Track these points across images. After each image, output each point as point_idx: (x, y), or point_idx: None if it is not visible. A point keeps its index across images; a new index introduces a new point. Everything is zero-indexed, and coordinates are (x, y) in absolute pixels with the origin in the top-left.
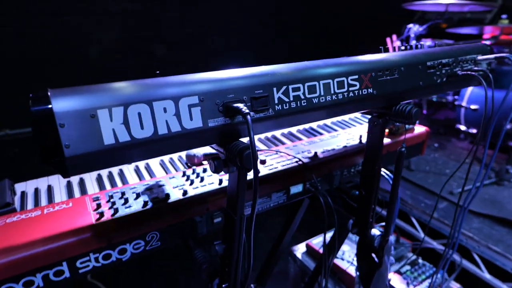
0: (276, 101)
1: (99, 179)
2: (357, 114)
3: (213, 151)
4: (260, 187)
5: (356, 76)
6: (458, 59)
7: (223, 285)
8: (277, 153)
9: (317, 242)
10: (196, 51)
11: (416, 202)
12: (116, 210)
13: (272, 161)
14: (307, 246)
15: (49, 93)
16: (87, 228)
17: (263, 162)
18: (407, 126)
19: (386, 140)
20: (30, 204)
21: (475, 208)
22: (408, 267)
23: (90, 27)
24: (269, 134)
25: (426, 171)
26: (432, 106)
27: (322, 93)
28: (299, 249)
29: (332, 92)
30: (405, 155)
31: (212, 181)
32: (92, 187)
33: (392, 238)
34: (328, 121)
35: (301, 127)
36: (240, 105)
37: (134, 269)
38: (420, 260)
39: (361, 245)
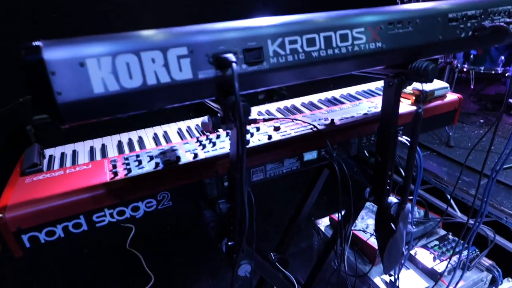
0: (271, 54)
1: (119, 145)
2: (377, 84)
3: None
4: (270, 152)
5: (362, 29)
6: (488, 10)
7: (229, 243)
8: (293, 121)
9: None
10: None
11: (453, 179)
12: (129, 170)
13: (286, 128)
14: (331, 219)
15: (40, 43)
16: (102, 186)
17: (277, 128)
18: (436, 92)
19: (411, 108)
20: (56, 166)
21: None
22: (436, 242)
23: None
24: (288, 104)
25: (467, 148)
26: (482, 81)
27: (322, 47)
28: (323, 222)
29: (334, 45)
30: (421, 117)
31: (223, 146)
32: (112, 152)
33: (409, 205)
34: (352, 91)
35: (323, 97)
36: (229, 55)
37: (175, 242)
38: (450, 236)
39: (378, 214)
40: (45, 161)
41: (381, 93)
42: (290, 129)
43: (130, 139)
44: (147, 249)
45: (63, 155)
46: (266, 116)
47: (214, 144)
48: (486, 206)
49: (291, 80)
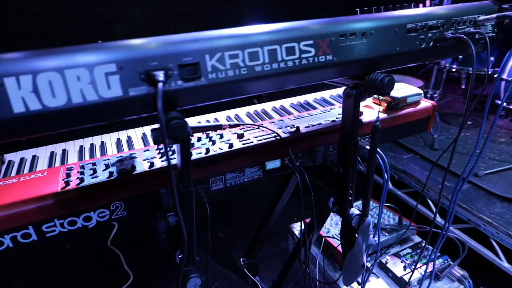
0: (210, 69)
1: (81, 150)
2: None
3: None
4: (230, 162)
5: (311, 42)
6: (451, 20)
7: (179, 256)
8: (259, 127)
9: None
10: None
11: (434, 183)
12: (82, 180)
13: (250, 135)
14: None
15: None
16: (51, 196)
17: (240, 136)
18: (408, 98)
19: (382, 115)
20: (13, 172)
21: (500, 191)
22: (409, 250)
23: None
24: (259, 108)
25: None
26: (476, 81)
27: (266, 61)
28: (298, 227)
29: (280, 59)
30: (379, 129)
31: None
32: (72, 158)
33: (370, 219)
34: (327, 95)
35: (295, 101)
36: (159, 72)
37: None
38: (423, 244)
39: (342, 224)
40: (3, 167)
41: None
42: (253, 137)
43: (92, 144)
44: (128, 248)
45: (22, 160)
46: (233, 122)
47: (173, 152)
48: (453, 207)
49: (233, 95)
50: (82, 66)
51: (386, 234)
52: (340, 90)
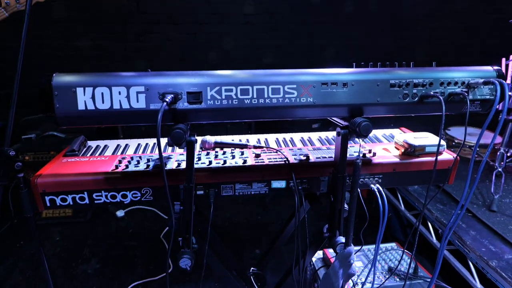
0: (209, 97)
1: (137, 147)
2: (391, 131)
3: (225, 140)
4: (241, 174)
5: (294, 86)
6: (440, 79)
7: (179, 239)
8: (277, 152)
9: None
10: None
11: (478, 245)
12: (127, 167)
13: (266, 156)
14: (324, 253)
15: (54, 75)
16: (103, 174)
17: (257, 156)
18: (427, 148)
19: (395, 159)
20: (88, 154)
21: None
22: None
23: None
24: (287, 137)
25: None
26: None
27: (254, 96)
28: (317, 254)
29: (266, 96)
30: (359, 168)
31: (204, 161)
32: (130, 151)
33: (351, 248)
34: None
35: (324, 135)
36: (168, 95)
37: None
38: None
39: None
40: (84, 149)
41: (376, 140)
42: (267, 158)
43: (147, 144)
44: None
45: (97, 147)
46: (257, 144)
47: (199, 158)
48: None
49: (225, 118)
50: (123, 86)
51: (397, 279)
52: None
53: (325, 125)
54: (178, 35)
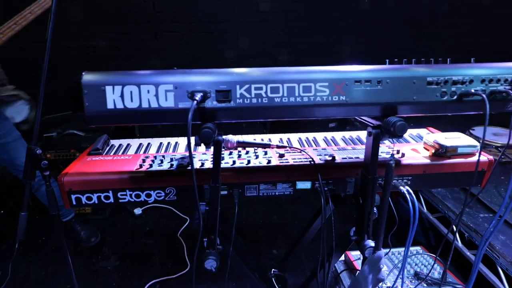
0: (238, 96)
1: (160, 146)
2: (417, 131)
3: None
4: (265, 174)
5: (326, 83)
6: (481, 77)
7: (204, 239)
8: (301, 152)
9: (356, 253)
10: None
11: (508, 250)
12: (151, 166)
13: (289, 156)
14: (345, 255)
15: (83, 73)
16: (127, 173)
17: (281, 156)
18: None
19: (425, 160)
20: (112, 152)
21: None
22: None
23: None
24: (310, 137)
25: None
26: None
27: (285, 94)
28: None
29: (297, 94)
30: (392, 169)
31: (228, 161)
32: (153, 150)
33: (381, 253)
34: None
35: (348, 135)
36: (198, 94)
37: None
38: None
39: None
40: (107, 148)
41: (410, 140)
42: (291, 158)
43: (169, 143)
44: (192, 242)
45: (120, 146)
46: (281, 144)
47: (223, 158)
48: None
49: (255, 117)
50: (152, 84)
51: (425, 285)
52: None
53: (342, 125)
54: (194, 34)
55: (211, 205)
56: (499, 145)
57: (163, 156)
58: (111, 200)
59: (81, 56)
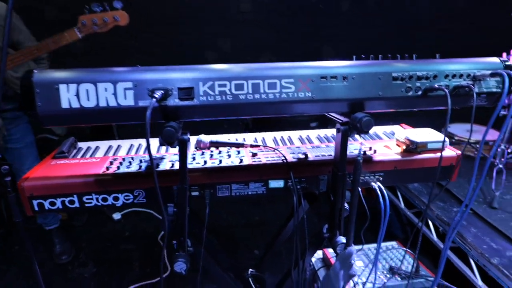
0: (201, 93)
1: (130, 147)
2: (391, 128)
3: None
4: (237, 174)
5: (291, 80)
6: (444, 72)
7: (173, 242)
8: (274, 150)
9: (333, 251)
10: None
11: (479, 242)
12: (118, 168)
13: (263, 155)
14: (323, 252)
15: (34, 71)
16: (93, 176)
17: (254, 155)
18: (429, 144)
19: (396, 156)
20: (79, 155)
21: None
22: None
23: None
24: (285, 136)
25: None
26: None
27: (250, 91)
28: (316, 254)
29: (262, 91)
30: (360, 165)
31: (199, 161)
32: (122, 152)
33: (352, 249)
34: None
35: (322, 133)
36: (158, 91)
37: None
38: None
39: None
40: (74, 151)
41: (376, 137)
42: (264, 157)
43: (140, 144)
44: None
45: (88, 148)
46: (254, 143)
47: (194, 158)
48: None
49: (219, 116)
50: (109, 81)
51: (399, 279)
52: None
53: (324, 124)
54: (173, 35)
55: (179, 206)
56: (472, 141)
57: (132, 158)
58: (76, 204)
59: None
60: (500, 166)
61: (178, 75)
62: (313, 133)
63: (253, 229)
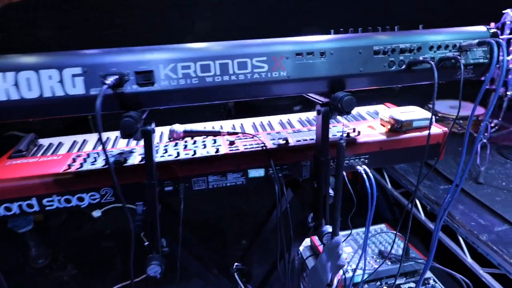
0: (163, 77)
1: (97, 142)
2: (374, 107)
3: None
4: (213, 165)
5: (264, 58)
6: (429, 43)
7: (145, 243)
8: (253, 137)
9: None
10: None
11: (467, 219)
12: (81, 165)
13: (241, 143)
14: (311, 240)
15: None
16: (53, 175)
17: (232, 143)
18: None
19: (381, 137)
20: (39, 153)
21: None
22: (412, 285)
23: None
24: (265, 121)
25: (499, 188)
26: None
27: (217, 73)
28: (304, 242)
29: (231, 72)
30: (343, 148)
31: (171, 153)
32: (89, 147)
33: (339, 238)
34: None
35: (304, 116)
36: (110, 77)
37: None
38: (432, 281)
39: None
40: (34, 148)
41: (360, 118)
42: (242, 145)
43: (108, 138)
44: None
45: (50, 145)
46: (232, 131)
47: (166, 151)
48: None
49: (185, 101)
50: (54, 67)
51: (389, 263)
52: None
53: (308, 107)
54: (146, 20)
55: (148, 204)
56: (454, 117)
57: (98, 153)
58: (36, 208)
59: (22, 47)
60: (484, 141)
61: (135, 58)
62: (294, 117)
63: (240, 220)
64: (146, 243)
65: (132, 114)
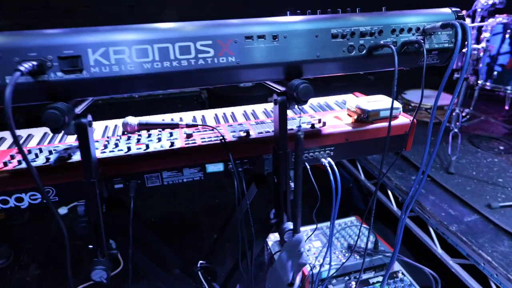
0: (92, 63)
1: (43, 136)
2: (343, 97)
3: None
4: (167, 160)
5: (210, 42)
6: (391, 26)
7: (89, 246)
8: (213, 129)
9: None
10: None
11: (437, 210)
12: (19, 163)
13: (200, 136)
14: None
15: None
16: None
17: (189, 136)
18: (381, 112)
19: (347, 128)
20: None
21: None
22: (381, 279)
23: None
24: (228, 112)
25: (470, 177)
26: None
27: (156, 58)
28: (274, 237)
29: (172, 58)
30: (301, 140)
31: (122, 148)
32: (35, 141)
33: (301, 235)
34: (314, 102)
35: (269, 107)
36: (27, 62)
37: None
38: (400, 274)
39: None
40: None
41: (328, 108)
42: (200, 138)
43: None
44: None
45: None
46: (191, 123)
47: (116, 145)
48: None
49: (120, 91)
50: None
51: (358, 257)
52: (322, 100)
53: None
54: (113, 8)
55: (89, 204)
56: (428, 107)
57: (40, 149)
58: None
59: None
60: (456, 130)
61: (59, 41)
62: (259, 108)
63: (214, 214)
64: (90, 246)
65: (59, 105)
